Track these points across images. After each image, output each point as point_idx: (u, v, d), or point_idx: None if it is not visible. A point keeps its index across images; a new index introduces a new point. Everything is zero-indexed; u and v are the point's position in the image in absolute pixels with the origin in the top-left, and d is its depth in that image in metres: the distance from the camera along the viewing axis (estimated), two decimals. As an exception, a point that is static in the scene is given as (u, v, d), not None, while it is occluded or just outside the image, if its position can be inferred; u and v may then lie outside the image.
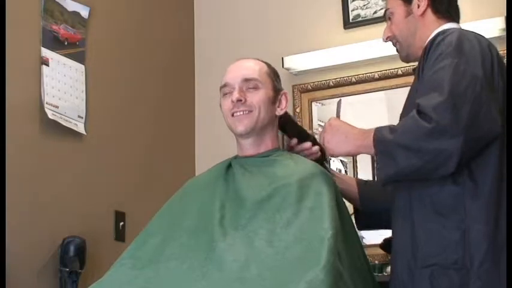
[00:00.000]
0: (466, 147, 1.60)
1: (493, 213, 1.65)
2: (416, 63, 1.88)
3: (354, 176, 2.95)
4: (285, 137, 2.04)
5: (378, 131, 1.71)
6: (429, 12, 1.90)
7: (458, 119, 1.59)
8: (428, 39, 1.81)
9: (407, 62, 2.01)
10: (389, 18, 1.96)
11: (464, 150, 1.61)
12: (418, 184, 1.73)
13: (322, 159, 2.00)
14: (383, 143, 1.69)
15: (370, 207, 2.03)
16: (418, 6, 1.90)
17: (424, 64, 1.76)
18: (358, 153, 1.90)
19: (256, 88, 1.91)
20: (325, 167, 1.95)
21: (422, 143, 1.62)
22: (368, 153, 1.77)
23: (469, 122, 1.60)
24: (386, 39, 1.98)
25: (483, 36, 1.79)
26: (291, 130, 2.03)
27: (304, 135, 2.03)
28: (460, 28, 1.87)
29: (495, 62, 1.72)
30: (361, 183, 2.08)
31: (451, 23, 1.90)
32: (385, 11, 1.99)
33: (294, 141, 2.02)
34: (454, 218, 1.67)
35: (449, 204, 1.68)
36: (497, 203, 1.66)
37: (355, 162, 3.06)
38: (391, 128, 1.70)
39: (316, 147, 2.00)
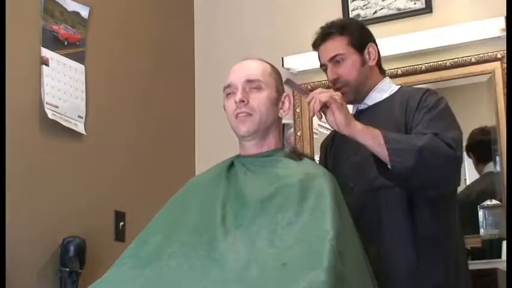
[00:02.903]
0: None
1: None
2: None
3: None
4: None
5: (386, 131, 1.86)
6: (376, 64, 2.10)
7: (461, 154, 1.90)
8: (419, 95, 2.00)
9: (351, 104, 2.10)
10: (338, 62, 2.06)
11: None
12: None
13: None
14: (399, 141, 1.83)
15: None
16: (369, 57, 2.07)
17: (418, 105, 1.97)
18: (351, 136, 1.87)
19: (259, 89, 1.91)
20: None
21: (441, 162, 1.83)
22: (364, 141, 1.84)
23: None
24: (335, 80, 2.06)
25: None
26: None
27: None
28: None
29: None
30: None
31: (387, 77, 2.14)
32: (334, 56, 2.06)
33: None
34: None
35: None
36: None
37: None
38: (409, 135, 1.92)
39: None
